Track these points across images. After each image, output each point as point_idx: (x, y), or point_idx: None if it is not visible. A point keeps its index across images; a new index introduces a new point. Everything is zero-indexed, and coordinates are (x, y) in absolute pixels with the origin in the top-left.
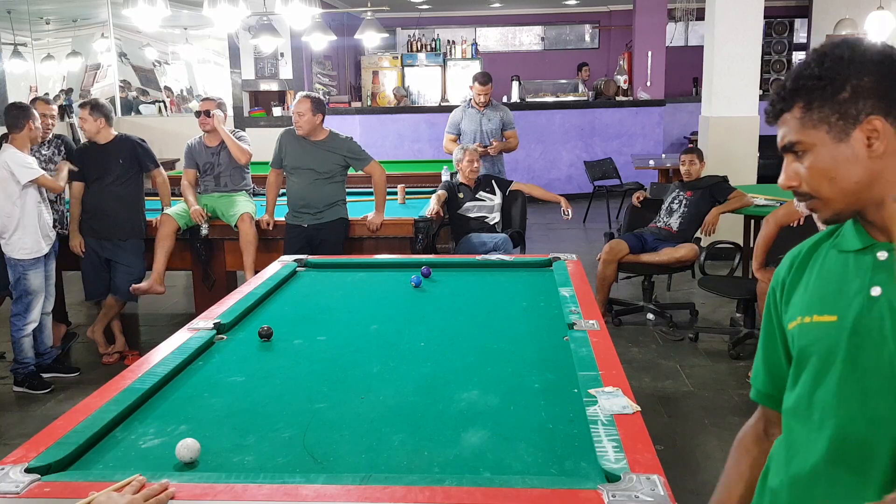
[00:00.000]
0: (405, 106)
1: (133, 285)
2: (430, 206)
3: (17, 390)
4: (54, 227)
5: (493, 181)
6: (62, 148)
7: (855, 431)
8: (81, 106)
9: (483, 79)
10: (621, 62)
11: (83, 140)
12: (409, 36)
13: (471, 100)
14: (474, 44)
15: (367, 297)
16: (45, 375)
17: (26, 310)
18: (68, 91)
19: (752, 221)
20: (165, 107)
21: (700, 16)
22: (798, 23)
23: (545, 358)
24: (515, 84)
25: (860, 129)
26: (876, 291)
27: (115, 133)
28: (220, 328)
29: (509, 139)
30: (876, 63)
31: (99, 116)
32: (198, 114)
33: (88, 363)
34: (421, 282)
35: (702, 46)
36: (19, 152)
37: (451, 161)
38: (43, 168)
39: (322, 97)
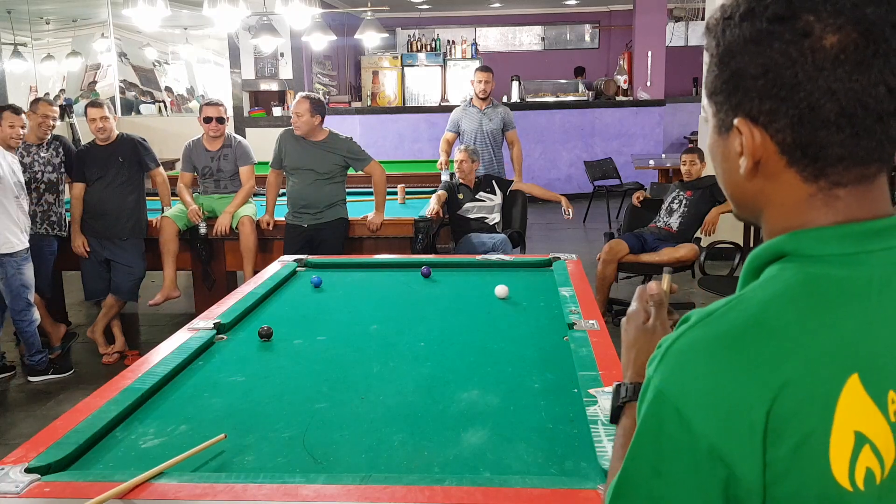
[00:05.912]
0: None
1: (150, 301)
2: (430, 206)
3: (36, 380)
4: (53, 229)
5: (493, 181)
6: (60, 150)
7: None
8: (97, 105)
9: (483, 67)
10: (621, 62)
11: (83, 141)
12: (409, 36)
13: (471, 99)
14: (474, 44)
15: (367, 297)
16: (36, 379)
17: (28, 304)
18: (60, 92)
19: None
20: (165, 107)
21: (700, 16)
22: None
23: (545, 358)
24: (515, 84)
25: (734, 132)
26: None
27: (118, 132)
28: (220, 328)
29: (511, 142)
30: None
31: (114, 114)
32: (208, 119)
33: (88, 363)
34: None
35: (702, 46)
36: None
37: (451, 161)
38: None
39: (322, 98)
